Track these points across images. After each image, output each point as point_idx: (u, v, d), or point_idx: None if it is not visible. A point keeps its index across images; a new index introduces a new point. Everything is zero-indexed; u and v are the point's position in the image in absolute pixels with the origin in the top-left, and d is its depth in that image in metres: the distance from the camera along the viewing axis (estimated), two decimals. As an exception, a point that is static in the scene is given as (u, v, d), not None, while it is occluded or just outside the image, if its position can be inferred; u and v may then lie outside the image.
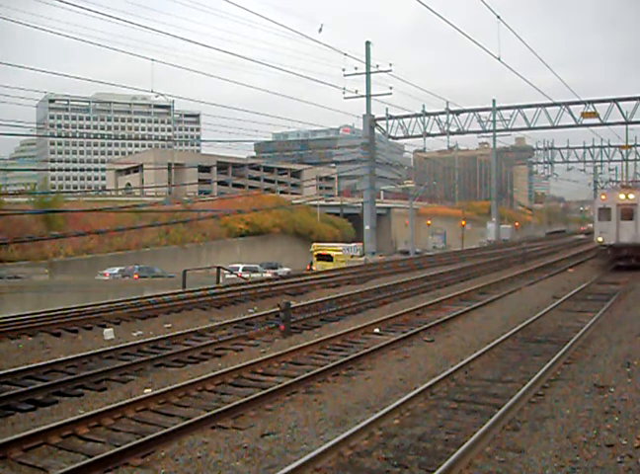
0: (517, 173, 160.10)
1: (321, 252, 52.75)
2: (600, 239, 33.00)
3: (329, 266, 46.72)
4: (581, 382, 11.27)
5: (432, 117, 49.45)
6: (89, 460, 7.68)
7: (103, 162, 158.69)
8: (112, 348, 14.36)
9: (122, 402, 10.02)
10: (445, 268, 38.14)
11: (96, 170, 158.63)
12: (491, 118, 50.43)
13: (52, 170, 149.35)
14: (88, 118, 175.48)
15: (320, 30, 50.36)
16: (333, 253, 51.92)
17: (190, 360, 13.56)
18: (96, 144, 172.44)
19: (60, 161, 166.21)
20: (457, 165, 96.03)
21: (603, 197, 34.15)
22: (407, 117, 50.36)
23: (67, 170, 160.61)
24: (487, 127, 50.93)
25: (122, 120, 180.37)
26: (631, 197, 32.56)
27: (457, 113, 49.37)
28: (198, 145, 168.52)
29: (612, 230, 32.36)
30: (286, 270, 50.11)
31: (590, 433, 8.72)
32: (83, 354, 13.72)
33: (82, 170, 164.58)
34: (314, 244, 57.31)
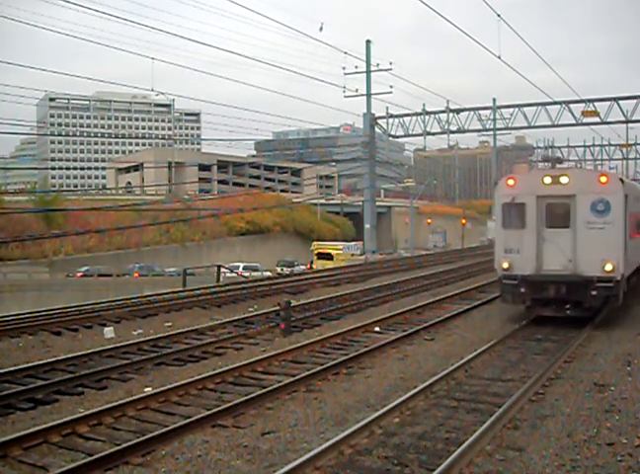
0: (517, 171, 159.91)
1: (321, 250, 52.76)
2: (504, 264, 16.55)
3: (329, 264, 46.72)
4: (581, 381, 11.26)
5: (432, 115, 49.42)
6: (89, 459, 7.68)
7: (103, 161, 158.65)
8: (112, 346, 14.36)
9: (123, 401, 10.02)
10: (446, 266, 38.14)
11: (96, 169, 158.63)
12: (491, 117, 50.41)
13: (53, 169, 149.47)
14: (88, 117, 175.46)
15: (321, 28, 50.31)
16: (333, 251, 51.94)
17: (190, 359, 13.55)
18: (96, 143, 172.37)
19: (61, 160, 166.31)
20: (458, 164, 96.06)
21: (511, 182, 16.93)
22: (407, 115, 50.34)
23: (67, 169, 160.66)
24: (487, 126, 50.91)
25: (123, 119, 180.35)
26: (564, 180, 16.16)
27: (458, 111, 49.34)
28: (198, 144, 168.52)
29: (529, 248, 16.33)
30: (302, 267, 50.03)
31: (590, 431, 8.72)
32: (83, 352, 13.72)
33: (82, 169, 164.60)
34: (314, 243, 57.33)
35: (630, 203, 16.87)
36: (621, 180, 16.46)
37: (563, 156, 72.10)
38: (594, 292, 15.49)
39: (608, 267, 15.38)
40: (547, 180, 16.36)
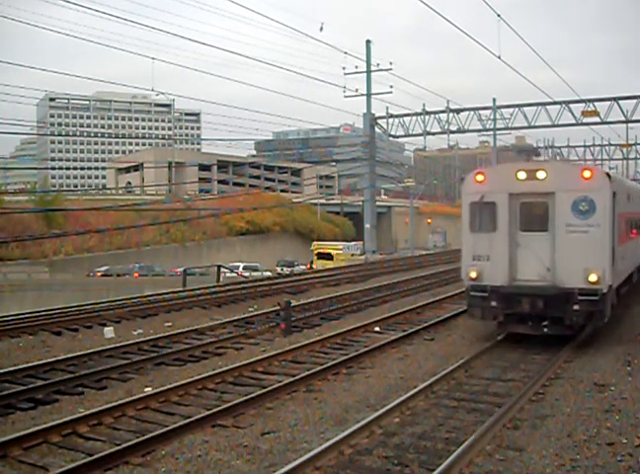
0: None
1: (321, 250, 52.78)
2: (472, 274, 14.34)
3: (329, 264, 46.73)
4: (581, 381, 11.26)
5: (432, 115, 49.38)
6: (89, 459, 7.69)
7: (103, 161, 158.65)
8: (112, 346, 14.36)
9: (123, 401, 10.02)
10: (446, 266, 38.12)
11: (96, 169, 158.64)
12: (491, 117, 50.37)
13: (53, 169, 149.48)
14: (88, 117, 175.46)
15: (321, 28, 50.34)
16: (333, 251, 51.96)
17: (190, 359, 13.56)
18: (96, 143, 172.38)
19: (61, 160, 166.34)
20: (458, 164, 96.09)
21: (480, 177, 14.59)
22: (407, 115, 50.32)
23: (67, 169, 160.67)
24: (487, 126, 50.88)
25: (123, 119, 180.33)
26: (541, 175, 13.87)
27: (458, 111, 49.31)
28: (198, 144, 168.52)
29: (500, 254, 14.11)
30: (302, 267, 50.08)
31: (590, 431, 8.72)
32: (83, 352, 13.73)
33: (82, 169, 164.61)
34: (314, 242, 57.35)
35: (619, 202, 14.74)
36: (608, 175, 14.01)
37: (563, 156, 71.67)
38: (576, 307, 13.21)
39: (593, 277, 13.10)
40: (521, 175, 13.95)
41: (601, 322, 13.66)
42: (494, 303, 13.95)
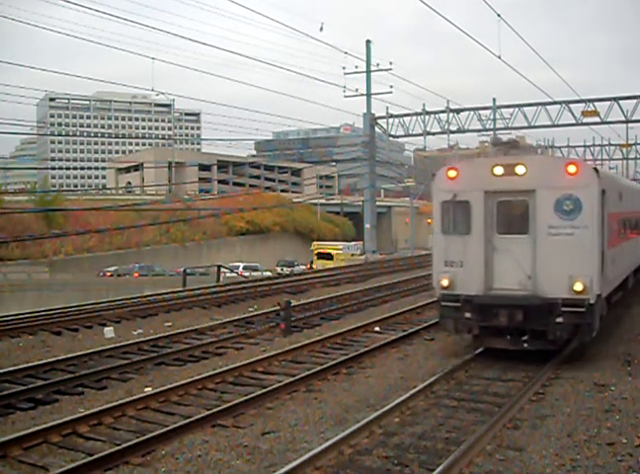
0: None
1: (321, 250, 52.82)
2: (444, 282, 12.93)
3: (329, 264, 46.75)
4: (581, 381, 11.25)
5: (432, 115, 49.39)
6: (89, 459, 7.69)
7: (103, 161, 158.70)
8: (112, 346, 14.36)
9: (123, 401, 10.02)
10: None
11: (96, 169, 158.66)
12: (491, 117, 50.36)
13: (53, 169, 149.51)
14: (88, 117, 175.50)
15: (321, 28, 50.23)
16: (333, 251, 51.99)
17: (190, 359, 13.56)
18: (96, 143, 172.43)
19: (61, 160, 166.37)
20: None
21: (453, 173, 13.16)
22: (407, 115, 50.32)
23: (67, 169, 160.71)
24: (487, 126, 50.85)
25: (123, 119, 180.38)
26: (520, 170, 12.45)
27: (458, 111, 49.32)
28: (198, 144, 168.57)
29: (475, 260, 12.71)
30: (302, 267, 50.11)
31: (590, 431, 8.72)
32: (83, 352, 13.73)
33: (82, 169, 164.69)
34: (314, 242, 57.39)
35: (609, 201, 13.19)
36: (596, 170, 12.45)
37: (563, 156, 70.80)
38: (559, 319, 11.81)
39: (578, 286, 11.68)
40: (498, 170, 12.47)
41: (589, 336, 12.19)
42: (468, 315, 12.47)
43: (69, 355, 13.39)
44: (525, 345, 12.23)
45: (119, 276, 44.39)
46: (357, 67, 48.17)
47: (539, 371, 11.65)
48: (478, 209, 12.63)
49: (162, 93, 48.82)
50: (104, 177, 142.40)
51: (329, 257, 51.06)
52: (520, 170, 12.33)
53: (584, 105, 45.51)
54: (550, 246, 12.02)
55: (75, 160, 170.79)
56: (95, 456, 7.75)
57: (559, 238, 11.97)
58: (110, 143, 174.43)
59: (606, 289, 13.14)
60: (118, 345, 14.53)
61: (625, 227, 16.44)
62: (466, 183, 12.85)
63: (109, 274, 46.06)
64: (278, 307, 16.98)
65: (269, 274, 42.27)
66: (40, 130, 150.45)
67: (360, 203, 64.66)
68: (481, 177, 12.74)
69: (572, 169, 12.02)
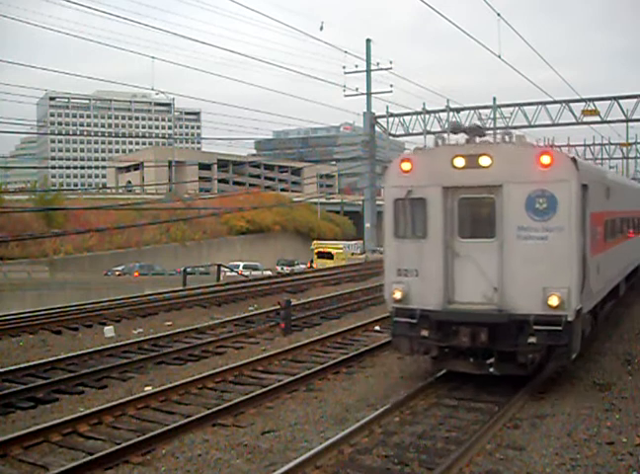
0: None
1: (322, 249, 52.81)
2: (396, 294, 10.98)
3: (329, 263, 46.75)
4: (581, 380, 11.26)
5: (432, 114, 49.43)
6: (89, 458, 7.70)
7: (103, 160, 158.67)
8: (112, 345, 14.36)
9: (123, 400, 10.03)
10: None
11: (96, 168, 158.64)
12: (491, 116, 50.41)
13: (53, 168, 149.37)
14: (88, 116, 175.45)
15: (321, 28, 50.38)
16: (333, 251, 51.97)
17: (190, 358, 13.56)
18: (96, 142, 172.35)
19: (61, 159, 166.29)
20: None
21: (407, 165, 11.17)
22: (407, 114, 50.35)
23: (68, 168, 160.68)
24: (487, 125, 50.88)
25: (123, 118, 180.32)
26: (485, 162, 10.55)
27: (458, 110, 49.35)
28: (198, 143, 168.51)
29: (433, 268, 10.82)
30: (302, 266, 50.13)
31: (590, 430, 8.72)
32: (83, 351, 13.74)
33: (82, 168, 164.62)
34: (315, 242, 57.38)
35: (593, 198, 11.31)
36: (574, 160, 10.50)
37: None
38: (531, 340, 9.96)
39: (553, 300, 9.82)
40: (459, 162, 10.61)
41: (566, 360, 10.28)
42: (425, 333, 10.61)
43: (69, 355, 13.40)
44: (491, 369, 10.35)
45: (124, 274, 44.47)
46: (357, 66, 48.26)
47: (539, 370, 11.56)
48: (436, 208, 10.76)
49: (162, 92, 48.98)
50: (104, 176, 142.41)
51: (329, 256, 51.07)
52: (484, 161, 10.47)
53: (584, 104, 45.53)
54: (520, 252, 10.17)
55: (75, 159, 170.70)
56: (95, 455, 7.76)
57: (531, 242, 10.13)
58: (110, 142, 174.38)
59: (590, 303, 11.38)
60: (118, 344, 14.54)
61: (614, 229, 14.51)
62: (422, 177, 10.92)
63: (118, 272, 46.16)
64: (278, 306, 16.98)
65: (269, 273, 42.26)
66: (40, 129, 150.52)
67: (361, 203, 64.70)
68: (439, 170, 10.81)
69: (546, 160, 10.15)
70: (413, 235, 11.00)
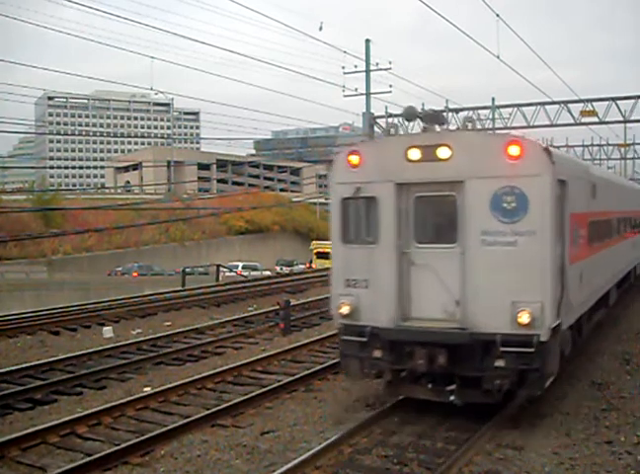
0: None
1: (321, 250, 52.76)
2: (344, 308, 9.40)
3: (329, 263, 46.67)
4: (580, 379, 11.26)
5: (431, 114, 49.43)
6: (88, 459, 7.68)
7: (102, 160, 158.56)
8: (111, 346, 14.35)
9: (122, 400, 10.02)
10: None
11: (95, 168, 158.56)
12: (490, 117, 50.43)
13: (51, 167, 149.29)
14: (87, 116, 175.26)
15: (320, 28, 50.11)
16: None
17: (189, 359, 13.55)
18: (95, 142, 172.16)
19: (59, 159, 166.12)
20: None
21: (355, 158, 9.57)
22: (406, 114, 50.33)
23: (66, 168, 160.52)
24: (486, 126, 50.91)
25: (122, 118, 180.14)
26: (444, 154, 8.96)
27: (457, 111, 49.30)
28: (197, 143, 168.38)
29: (385, 279, 9.27)
30: (301, 266, 50.14)
31: (589, 430, 8.72)
32: (82, 352, 13.72)
33: (81, 168, 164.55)
34: (314, 242, 57.37)
35: (573, 196, 9.86)
36: (548, 151, 8.78)
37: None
38: (499, 363, 8.53)
39: (524, 317, 8.34)
40: (414, 154, 9.14)
41: (539, 387, 8.76)
42: (377, 354, 9.22)
43: (68, 355, 13.39)
44: (452, 397, 8.84)
45: (123, 274, 44.48)
46: (356, 66, 48.04)
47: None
48: (388, 209, 9.27)
49: (161, 92, 48.89)
50: (102, 176, 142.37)
51: (328, 256, 51.05)
52: (443, 153, 8.96)
53: (582, 105, 45.46)
54: (485, 260, 8.68)
55: (74, 159, 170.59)
56: (94, 456, 7.74)
57: (497, 249, 8.62)
58: (108, 142, 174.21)
59: (570, 317, 9.93)
60: (116, 344, 14.53)
61: (601, 232, 12.99)
62: (372, 172, 9.41)
63: (120, 273, 46.21)
64: (277, 306, 16.98)
65: (268, 273, 42.27)
66: (38, 129, 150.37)
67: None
68: (391, 164, 9.33)
69: (514, 151, 8.60)
70: (363, 240, 9.56)
